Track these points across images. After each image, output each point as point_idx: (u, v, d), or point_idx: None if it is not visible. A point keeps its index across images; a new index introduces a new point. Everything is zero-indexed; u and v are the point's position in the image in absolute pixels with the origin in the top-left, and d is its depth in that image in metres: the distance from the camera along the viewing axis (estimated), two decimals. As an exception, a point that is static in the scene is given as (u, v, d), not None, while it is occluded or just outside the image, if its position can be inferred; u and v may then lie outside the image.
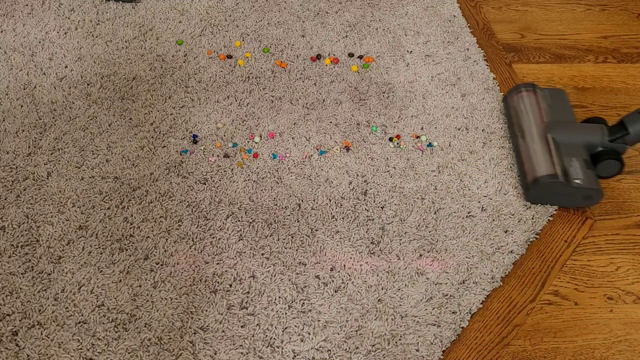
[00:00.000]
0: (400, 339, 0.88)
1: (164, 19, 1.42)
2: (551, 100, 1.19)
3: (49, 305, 0.88)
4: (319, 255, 0.97)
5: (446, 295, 0.94)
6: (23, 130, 1.13)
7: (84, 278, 0.92)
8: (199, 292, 0.91)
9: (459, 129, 1.20)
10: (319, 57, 1.36)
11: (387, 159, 1.13)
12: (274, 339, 0.87)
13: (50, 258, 0.94)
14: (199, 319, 0.88)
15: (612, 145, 1.08)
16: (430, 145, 1.16)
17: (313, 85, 1.28)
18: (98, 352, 0.84)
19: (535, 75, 1.37)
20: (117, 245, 0.96)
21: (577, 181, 1.03)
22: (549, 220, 1.06)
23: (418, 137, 1.17)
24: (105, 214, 1.00)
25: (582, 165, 1.05)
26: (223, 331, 0.87)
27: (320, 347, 0.86)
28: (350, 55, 1.37)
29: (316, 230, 1.01)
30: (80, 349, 0.84)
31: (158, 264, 0.94)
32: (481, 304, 0.94)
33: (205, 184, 1.07)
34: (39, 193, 1.03)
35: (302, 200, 1.05)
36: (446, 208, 1.06)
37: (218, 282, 0.93)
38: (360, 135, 1.17)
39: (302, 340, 0.87)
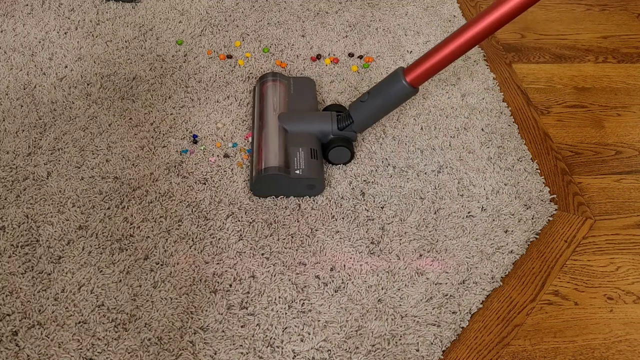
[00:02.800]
0: (400, 339, 0.88)
1: (164, 19, 1.42)
2: (295, 89, 1.19)
3: (49, 305, 0.88)
4: (319, 255, 0.97)
5: (446, 295, 0.94)
6: (23, 130, 1.13)
7: (84, 278, 0.92)
8: (199, 292, 0.91)
9: (458, 129, 1.20)
10: (319, 57, 1.36)
11: (387, 158, 1.13)
12: (274, 339, 0.87)
13: (50, 258, 0.94)
14: (199, 319, 0.88)
15: (342, 133, 1.09)
16: None
17: (313, 85, 1.28)
18: (98, 352, 0.84)
19: (535, 76, 1.37)
20: (117, 245, 0.96)
21: (297, 172, 1.03)
22: (549, 220, 1.06)
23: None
24: (105, 214, 1.00)
25: (307, 155, 1.05)
26: (223, 331, 0.87)
27: (320, 347, 0.86)
28: (350, 55, 1.37)
29: (316, 230, 1.01)
30: (80, 349, 0.84)
31: (158, 264, 0.94)
32: (481, 304, 0.94)
33: (205, 184, 1.07)
34: (39, 193, 1.03)
35: (302, 200, 1.05)
36: (446, 208, 1.06)
37: (218, 282, 0.93)
38: (360, 135, 1.17)
39: (302, 340, 0.87)
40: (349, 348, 0.87)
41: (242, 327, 0.88)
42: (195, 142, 1.14)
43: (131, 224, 0.99)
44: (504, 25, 0.94)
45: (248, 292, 0.92)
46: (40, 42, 1.33)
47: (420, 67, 1.01)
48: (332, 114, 1.10)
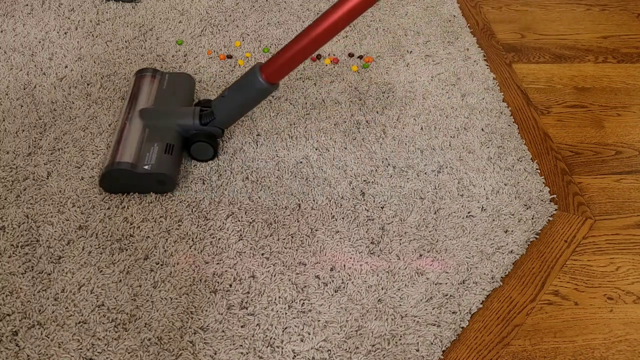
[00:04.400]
0: (400, 339, 0.88)
1: (164, 19, 1.42)
2: (167, 85, 1.17)
3: (49, 305, 0.88)
4: (319, 255, 0.97)
5: (446, 295, 0.94)
6: (23, 130, 1.13)
7: (84, 278, 0.92)
8: (199, 292, 0.91)
9: (458, 129, 1.20)
10: (319, 57, 1.36)
11: (387, 158, 1.13)
12: (274, 339, 0.87)
13: (50, 258, 0.94)
14: (199, 319, 0.88)
15: (206, 128, 1.08)
16: None
17: (313, 85, 1.28)
18: (98, 352, 0.84)
19: (535, 76, 1.37)
20: (117, 245, 0.96)
21: (146, 167, 1.01)
22: (549, 220, 1.06)
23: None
24: (105, 214, 1.00)
25: (160, 150, 1.03)
26: (223, 331, 0.87)
27: (320, 347, 0.86)
28: (350, 55, 1.37)
29: (316, 230, 1.01)
30: (80, 349, 0.84)
31: (158, 264, 0.94)
32: (481, 304, 0.94)
33: (205, 184, 1.07)
34: (39, 193, 1.03)
35: (302, 201, 1.05)
36: (446, 208, 1.06)
37: (218, 282, 0.93)
38: (360, 135, 1.17)
39: (302, 340, 0.87)
40: (349, 348, 0.87)
41: (242, 327, 0.88)
42: (195, 142, 1.14)
43: (131, 224, 0.99)
44: (355, 19, 0.93)
45: (248, 292, 0.92)
46: (40, 42, 1.33)
47: (274, 63, 1.00)
48: (195, 109, 1.09)
